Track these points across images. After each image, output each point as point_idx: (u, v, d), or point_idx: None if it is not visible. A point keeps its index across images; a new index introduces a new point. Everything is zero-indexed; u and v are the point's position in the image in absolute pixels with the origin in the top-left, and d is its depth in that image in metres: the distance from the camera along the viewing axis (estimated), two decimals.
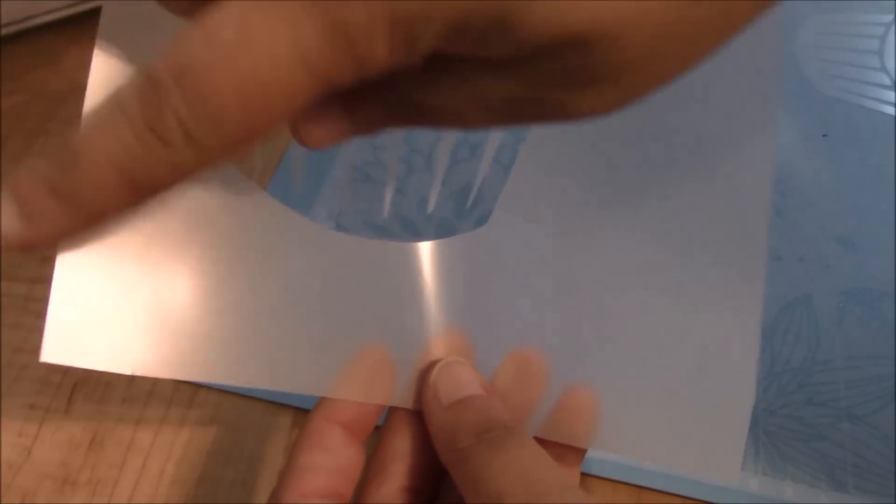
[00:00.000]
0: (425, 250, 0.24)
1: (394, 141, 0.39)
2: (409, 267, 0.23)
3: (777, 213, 0.38)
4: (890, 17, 0.47)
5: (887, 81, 0.44)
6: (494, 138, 0.39)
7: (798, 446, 0.30)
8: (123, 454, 0.30)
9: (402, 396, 0.23)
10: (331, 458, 0.21)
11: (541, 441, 0.23)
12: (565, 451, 0.23)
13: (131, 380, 0.32)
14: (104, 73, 0.21)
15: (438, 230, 0.36)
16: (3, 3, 0.40)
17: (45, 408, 0.31)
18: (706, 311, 0.24)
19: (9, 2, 0.41)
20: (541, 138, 0.25)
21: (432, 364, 0.23)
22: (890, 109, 0.42)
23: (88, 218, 0.17)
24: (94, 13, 0.26)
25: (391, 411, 0.23)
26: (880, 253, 0.36)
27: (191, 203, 0.22)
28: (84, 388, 0.32)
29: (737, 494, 0.29)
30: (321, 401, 0.22)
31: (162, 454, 0.30)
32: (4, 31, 0.42)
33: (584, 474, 0.30)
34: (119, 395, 0.31)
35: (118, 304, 0.21)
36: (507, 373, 0.23)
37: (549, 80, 0.16)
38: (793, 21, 0.47)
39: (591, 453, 0.30)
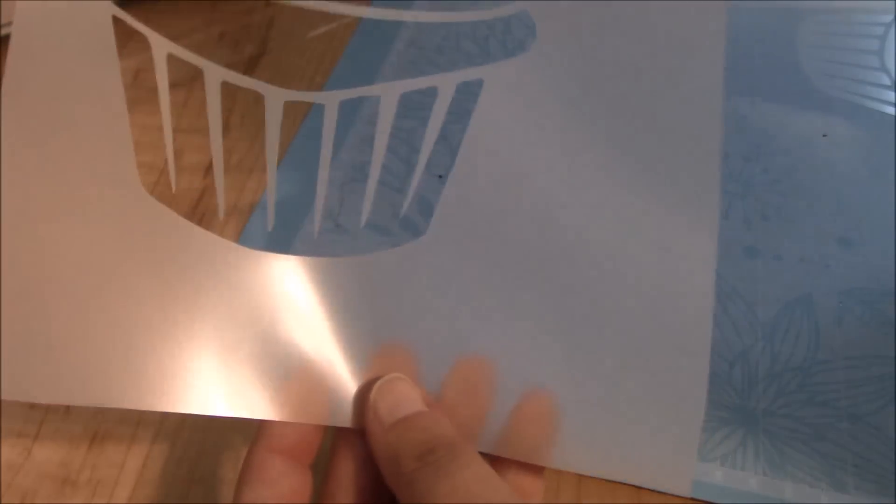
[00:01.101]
0: (360, 264, 0.23)
1: (394, 141, 0.39)
2: (344, 282, 0.23)
3: (777, 212, 0.38)
4: (890, 17, 0.47)
5: (887, 81, 0.44)
6: None
7: (798, 446, 0.30)
8: (123, 454, 0.30)
9: (342, 416, 0.22)
10: (273, 491, 0.21)
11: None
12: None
13: None
14: (19, 71, 0.22)
15: None
16: (3, 4, 0.40)
17: (45, 408, 0.31)
18: (655, 301, 0.24)
19: (8, 2, 0.41)
20: (477, 133, 0.24)
21: (372, 382, 0.22)
22: (890, 109, 0.42)
23: None
24: None
25: (337, 431, 0.22)
26: (880, 253, 0.36)
27: (128, 240, 0.23)
28: None
29: (737, 494, 0.29)
30: (259, 432, 0.22)
31: (162, 454, 0.30)
32: (4, 32, 0.42)
33: (583, 474, 0.30)
34: None
35: (72, 340, 0.22)
36: (454, 384, 0.23)
37: None
38: (793, 21, 0.47)
39: None
